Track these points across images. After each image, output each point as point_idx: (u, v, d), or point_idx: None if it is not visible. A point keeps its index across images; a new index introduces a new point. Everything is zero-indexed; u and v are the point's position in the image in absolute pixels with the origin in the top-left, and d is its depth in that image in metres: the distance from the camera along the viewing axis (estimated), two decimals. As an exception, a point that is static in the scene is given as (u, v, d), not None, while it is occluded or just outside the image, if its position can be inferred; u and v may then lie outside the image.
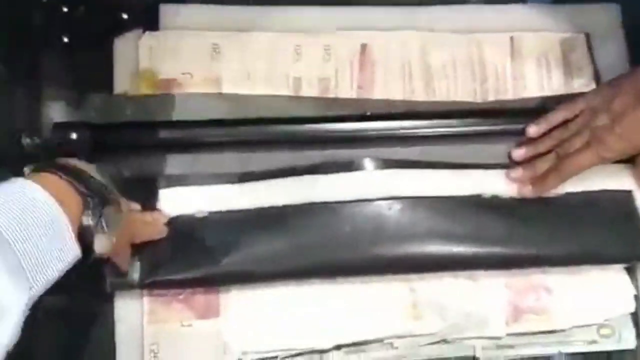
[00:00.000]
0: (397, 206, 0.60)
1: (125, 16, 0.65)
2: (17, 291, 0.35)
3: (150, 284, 0.57)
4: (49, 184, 0.41)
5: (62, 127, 0.59)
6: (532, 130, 0.62)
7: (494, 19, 0.69)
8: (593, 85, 0.67)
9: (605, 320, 0.61)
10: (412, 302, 0.60)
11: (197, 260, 0.57)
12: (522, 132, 0.63)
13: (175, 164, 0.61)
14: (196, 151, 0.62)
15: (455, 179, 0.62)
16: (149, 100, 0.63)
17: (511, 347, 0.61)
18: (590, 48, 0.68)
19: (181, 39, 0.65)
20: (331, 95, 0.65)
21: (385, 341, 0.60)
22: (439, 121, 0.63)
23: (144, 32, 0.64)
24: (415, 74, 0.66)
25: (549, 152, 0.62)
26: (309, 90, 0.65)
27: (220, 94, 0.64)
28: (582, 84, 0.67)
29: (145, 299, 0.59)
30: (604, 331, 0.61)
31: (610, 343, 0.61)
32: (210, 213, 0.59)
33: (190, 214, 0.59)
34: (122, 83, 0.63)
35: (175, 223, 0.58)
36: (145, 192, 0.58)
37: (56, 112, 0.61)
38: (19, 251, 0.36)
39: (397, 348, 0.60)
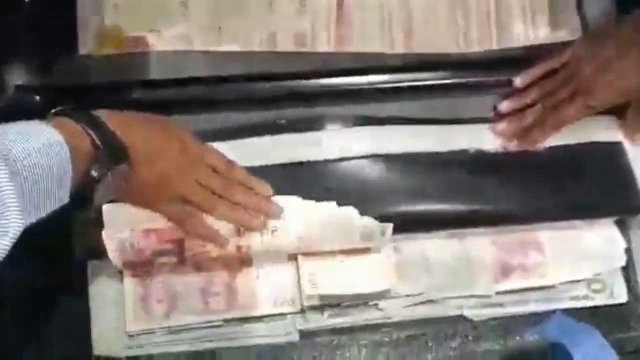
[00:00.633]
0: (379, 164, 0.58)
1: (87, -29, 0.61)
2: (19, 218, 0.37)
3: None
4: (66, 130, 0.42)
5: (24, 90, 0.57)
6: (518, 81, 0.60)
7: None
8: (579, 35, 0.64)
9: (596, 274, 0.59)
10: (396, 262, 0.58)
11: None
12: (507, 83, 0.61)
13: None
14: (168, 112, 0.58)
15: (439, 134, 0.60)
16: (115, 60, 0.60)
17: (500, 305, 0.59)
18: (577, -3, 0.66)
19: (147, -7, 0.61)
20: (307, 50, 0.62)
21: (370, 303, 0.58)
22: (420, 74, 0.61)
23: (108, -13, 0.61)
24: (395, 25, 0.63)
25: (535, 105, 0.60)
26: (284, 44, 0.62)
27: (191, 51, 0.61)
28: (568, 33, 0.65)
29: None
30: (595, 286, 0.60)
31: (601, 298, 0.60)
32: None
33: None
34: (86, 42, 0.60)
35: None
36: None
37: (18, 74, 0.59)
38: (26, 185, 0.38)
39: (382, 310, 0.58)
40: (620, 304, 0.60)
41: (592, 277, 0.59)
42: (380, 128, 0.59)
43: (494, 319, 0.59)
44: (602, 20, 0.64)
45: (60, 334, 0.55)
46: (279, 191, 0.55)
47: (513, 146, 0.59)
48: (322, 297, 0.56)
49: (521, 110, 0.60)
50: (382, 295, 0.57)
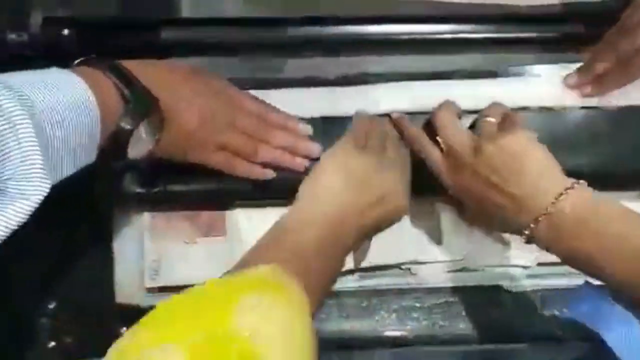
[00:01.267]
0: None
1: None
2: (44, 181, 0.34)
3: (151, 196, 0.52)
4: (94, 82, 0.39)
5: (53, 23, 0.53)
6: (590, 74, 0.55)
7: None
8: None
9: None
10: (436, 226, 0.55)
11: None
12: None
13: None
14: (202, 54, 0.56)
15: (496, 89, 0.55)
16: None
17: (541, 277, 0.56)
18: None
19: None
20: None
21: (403, 267, 0.55)
22: (473, 26, 0.56)
23: None
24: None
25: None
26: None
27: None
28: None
29: (146, 216, 0.55)
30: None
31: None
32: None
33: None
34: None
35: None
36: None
37: (47, 5, 0.55)
38: (53, 142, 0.36)
39: (415, 274, 0.55)
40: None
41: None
42: (427, 83, 0.55)
43: (533, 291, 0.56)
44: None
45: (83, 282, 0.54)
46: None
47: (588, 91, 0.55)
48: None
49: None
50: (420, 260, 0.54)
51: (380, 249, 0.53)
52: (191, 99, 0.46)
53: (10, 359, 0.52)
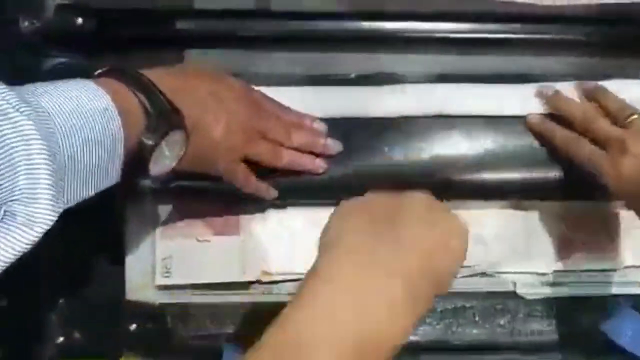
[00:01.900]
0: (448, 125, 0.53)
1: None
2: (52, 207, 0.33)
3: (165, 193, 0.52)
4: (117, 97, 0.37)
5: (67, 10, 0.52)
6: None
7: None
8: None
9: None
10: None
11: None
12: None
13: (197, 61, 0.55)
14: (221, 47, 0.55)
15: (520, 94, 0.54)
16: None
17: (557, 284, 0.55)
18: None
19: None
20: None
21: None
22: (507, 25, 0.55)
23: None
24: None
25: None
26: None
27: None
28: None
29: (159, 213, 0.54)
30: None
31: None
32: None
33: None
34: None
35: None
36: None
37: (61, -8, 0.54)
38: (67, 164, 0.34)
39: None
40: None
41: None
42: (450, 86, 0.54)
43: (548, 299, 0.55)
44: None
45: (93, 278, 0.54)
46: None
47: None
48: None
49: None
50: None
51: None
52: (217, 110, 0.44)
53: (19, 354, 0.52)
